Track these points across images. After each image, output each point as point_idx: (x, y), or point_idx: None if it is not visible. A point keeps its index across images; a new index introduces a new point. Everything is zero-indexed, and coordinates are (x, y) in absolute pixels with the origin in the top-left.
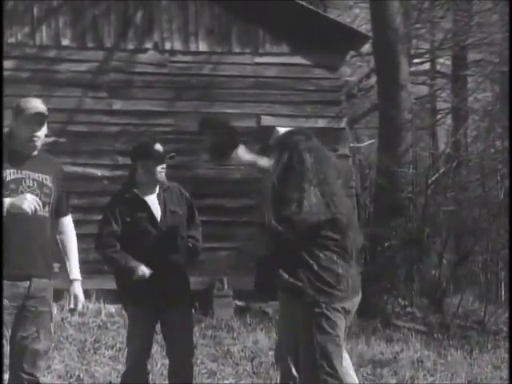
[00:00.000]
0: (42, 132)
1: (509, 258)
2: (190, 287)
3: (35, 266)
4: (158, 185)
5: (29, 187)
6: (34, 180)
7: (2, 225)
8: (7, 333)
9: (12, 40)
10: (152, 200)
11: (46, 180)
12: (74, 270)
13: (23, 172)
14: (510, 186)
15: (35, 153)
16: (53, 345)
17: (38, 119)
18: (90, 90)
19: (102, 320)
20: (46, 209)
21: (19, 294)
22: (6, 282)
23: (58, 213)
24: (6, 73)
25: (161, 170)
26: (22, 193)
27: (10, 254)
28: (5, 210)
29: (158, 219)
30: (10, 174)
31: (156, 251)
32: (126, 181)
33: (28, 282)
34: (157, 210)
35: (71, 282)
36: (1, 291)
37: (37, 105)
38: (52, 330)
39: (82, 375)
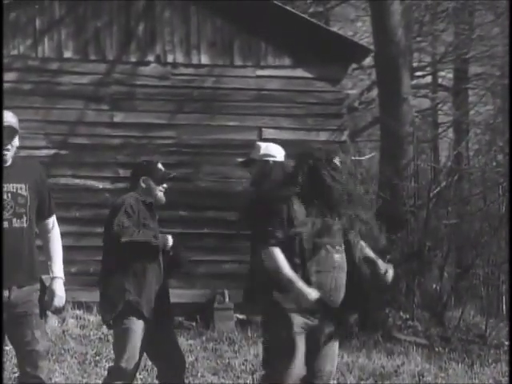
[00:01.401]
0: (14, 144)
1: (509, 272)
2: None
3: (14, 277)
4: (156, 204)
5: (3, 201)
6: (8, 192)
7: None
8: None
9: (14, 52)
10: None
11: (21, 189)
12: (56, 269)
13: None
14: (509, 199)
15: (8, 163)
16: (53, 357)
17: (8, 132)
18: (92, 102)
19: (103, 332)
20: (23, 219)
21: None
22: None
23: (40, 216)
24: (8, 85)
25: (161, 189)
26: None
27: None
28: None
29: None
30: None
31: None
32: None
33: (7, 292)
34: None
35: (52, 279)
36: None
37: (7, 118)
38: (48, 332)
39: None
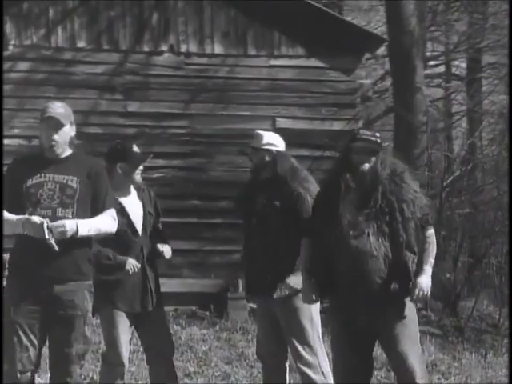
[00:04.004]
0: (62, 135)
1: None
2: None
3: (58, 269)
4: (135, 186)
5: (50, 190)
6: (56, 182)
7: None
8: (33, 338)
9: (27, 42)
10: (129, 202)
11: (72, 181)
12: (82, 221)
13: (46, 176)
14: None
15: (64, 156)
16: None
17: (54, 123)
18: (106, 92)
19: None
20: (69, 210)
21: (40, 298)
22: (23, 284)
23: (94, 211)
24: (21, 75)
25: (138, 171)
26: (41, 196)
27: (31, 258)
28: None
29: (135, 222)
30: (32, 179)
31: (136, 253)
32: None
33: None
34: (133, 212)
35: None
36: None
37: (52, 109)
38: (88, 334)
39: (95, 377)
